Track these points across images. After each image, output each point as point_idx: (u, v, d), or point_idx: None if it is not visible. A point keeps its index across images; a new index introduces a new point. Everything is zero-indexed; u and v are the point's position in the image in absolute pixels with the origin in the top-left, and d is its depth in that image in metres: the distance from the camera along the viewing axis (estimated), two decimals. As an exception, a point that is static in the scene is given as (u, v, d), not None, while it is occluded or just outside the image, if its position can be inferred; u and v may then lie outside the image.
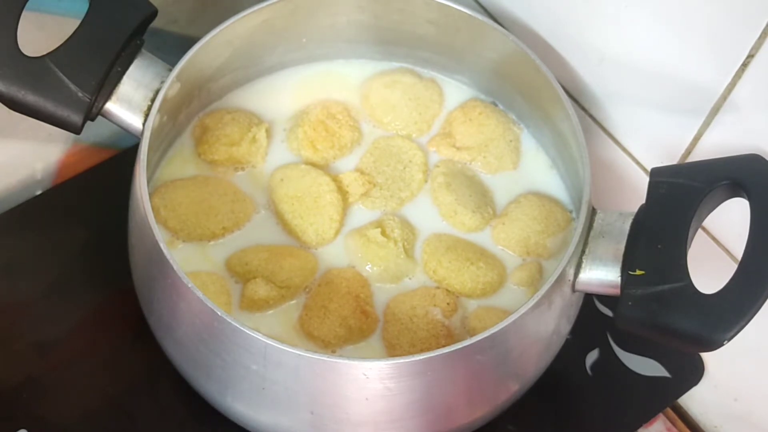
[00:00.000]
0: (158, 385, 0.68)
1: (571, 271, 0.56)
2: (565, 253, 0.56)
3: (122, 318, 0.70)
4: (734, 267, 0.50)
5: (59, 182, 0.78)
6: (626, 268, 0.54)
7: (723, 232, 0.63)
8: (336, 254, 0.64)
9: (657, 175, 0.55)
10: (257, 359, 0.54)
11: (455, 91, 0.71)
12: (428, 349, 0.54)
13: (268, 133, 0.68)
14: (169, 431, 0.67)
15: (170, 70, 0.61)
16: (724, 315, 0.49)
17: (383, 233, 0.63)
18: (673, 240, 0.53)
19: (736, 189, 0.53)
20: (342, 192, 0.65)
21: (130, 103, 0.60)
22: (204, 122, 0.68)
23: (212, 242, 0.64)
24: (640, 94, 0.63)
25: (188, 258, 0.63)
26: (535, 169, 0.68)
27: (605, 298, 0.72)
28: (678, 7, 0.56)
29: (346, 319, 0.61)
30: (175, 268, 0.54)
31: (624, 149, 0.67)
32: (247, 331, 0.52)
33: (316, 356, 0.53)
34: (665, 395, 0.71)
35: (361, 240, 0.63)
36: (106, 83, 0.59)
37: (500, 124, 0.68)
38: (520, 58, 0.64)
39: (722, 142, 0.59)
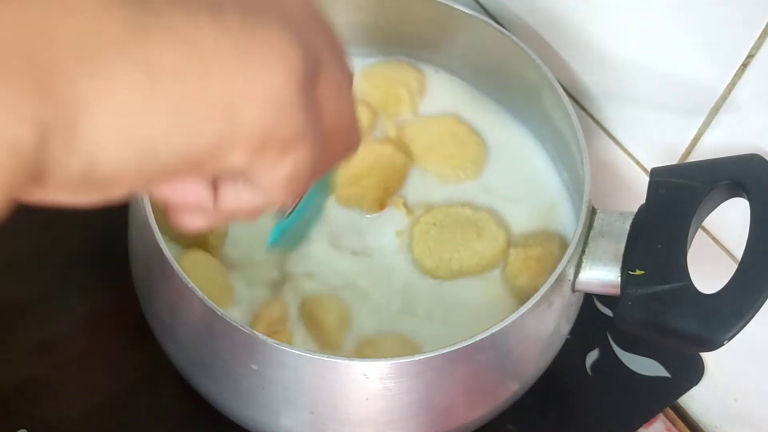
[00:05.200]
0: (158, 385, 0.68)
1: (571, 271, 0.56)
2: (565, 253, 0.56)
3: (122, 318, 0.70)
4: (734, 267, 0.50)
5: (59, 182, 0.78)
6: (626, 268, 0.54)
7: (723, 232, 0.62)
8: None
9: (657, 175, 0.55)
10: (257, 359, 0.54)
11: (456, 90, 0.71)
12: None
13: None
14: (169, 431, 0.67)
15: (170, 70, 0.61)
16: (724, 315, 0.49)
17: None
18: (673, 240, 0.53)
19: (736, 189, 0.53)
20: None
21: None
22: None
23: (212, 242, 0.64)
24: (640, 94, 0.63)
25: (188, 258, 0.63)
26: (535, 169, 0.68)
27: (605, 298, 0.72)
28: (678, 7, 0.56)
29: None
30: (175, 268, 0.54)
31: (624, 149, 0.67)
32: (247, 331, 0.52)
33: (316, 356, 0.53)
34: (665, 395, 0.71)
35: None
36: (106, 83, 0.59)
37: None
38: (520, 58, 0.64)
39: (722, 142, 0.59)
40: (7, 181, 0.22)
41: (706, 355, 0.71)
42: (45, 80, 0.22)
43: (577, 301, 0.61)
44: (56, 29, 0.22)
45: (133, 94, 0.23)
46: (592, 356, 0.71)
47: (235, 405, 0.59)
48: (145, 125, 0.23)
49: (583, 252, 0.57)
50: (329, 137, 0.27)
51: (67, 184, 0.23)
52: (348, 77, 0.29)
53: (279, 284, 0.62)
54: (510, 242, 0.64)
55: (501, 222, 0.65)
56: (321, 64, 0.27)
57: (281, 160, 0.26)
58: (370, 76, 0.70)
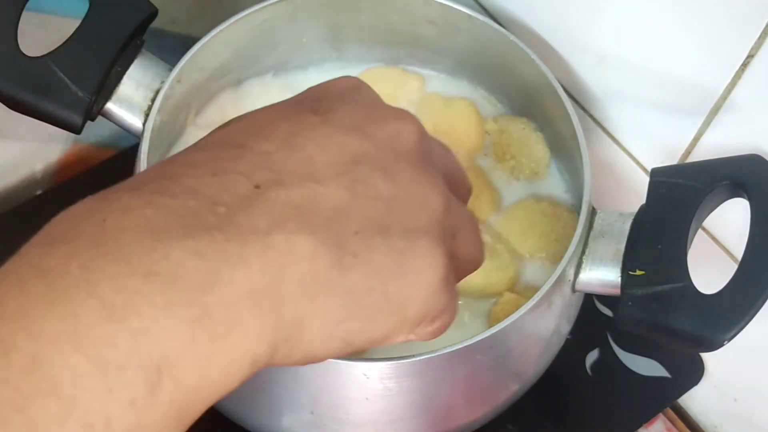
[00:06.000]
0: (158, 385, 0.68)
1: (571, 271, 0.56)
2: (565, 253, 0.56)
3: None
4: (734, 267, 0.50)
5: (59, 182, 0.78)
6: (626, 268, 0.54)
7: (723, 232, 0.62)
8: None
9: (657, 175, 0.55)
10: (257, 359, 0.54)
11: (454, 91, 0.71)
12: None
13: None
14: (169, 431, 0.67)
15: (170, 70, 0.61)
16: (724, 315, 0.49)
17: None
18: (673, 240, 0.53)
19: (736, 189, 0.53)
20: None
21: (131, 103, 0.60)
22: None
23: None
24: (640, 94, 0.63)
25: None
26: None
27: (605, 298, 0.72)
28: (678, 6, 0.56)
29: None
30: (175, 268, 0.54)
31: (624, 149, 0.67)
32: (248, 331, 0.52)
33: (316, 356, 0.53)
34: (665, 395, 0.71)
35: None
36: (107, 83, 0.59)
37: None
38: (520, 58, 0.64)
39: (722, 142, 0.59)
40: (243, 378, 0.32)
41: (706, 355, 0.72)
42: (279, 311, 0.31)
43: (577, 301, 0.61)
44: (287, 273, 0.31)
45: (338, 311, 0.33)
46: (592, 356, 0.71)
47: (235, 405, 0.59)
48: (346, 328, 0.33)
49: (583, 252, 0.57)
50: (461, 269, 0.38)
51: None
52: (474, 224, 0.39)
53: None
54: (516, 282, 0.63)
55: (516, 261, 0.63)
56: (457, 231, 0.37)
57: (431, 325, 0.37)
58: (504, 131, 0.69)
